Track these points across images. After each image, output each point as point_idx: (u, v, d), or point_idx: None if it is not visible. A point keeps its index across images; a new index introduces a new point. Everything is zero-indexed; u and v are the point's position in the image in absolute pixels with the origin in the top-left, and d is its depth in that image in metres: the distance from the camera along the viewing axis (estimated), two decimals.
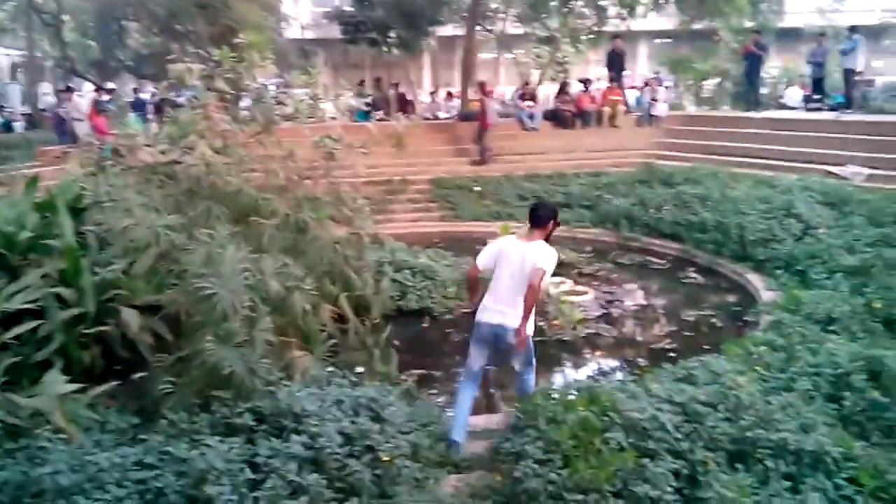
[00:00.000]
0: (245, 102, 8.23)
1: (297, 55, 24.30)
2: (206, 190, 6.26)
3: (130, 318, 5.13)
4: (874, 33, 27.73)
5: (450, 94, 21.45)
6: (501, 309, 5.08)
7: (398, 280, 8.50)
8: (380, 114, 18.43)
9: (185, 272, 5.09)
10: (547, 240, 5.32)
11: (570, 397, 4.86)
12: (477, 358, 5.28)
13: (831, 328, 6.43)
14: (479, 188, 14.64)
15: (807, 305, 7.01)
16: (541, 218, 5.36)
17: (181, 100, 13.24)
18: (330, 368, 5.47)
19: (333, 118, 15.64)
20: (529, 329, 5.04)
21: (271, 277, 5.46)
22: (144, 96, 20.33)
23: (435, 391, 6.54)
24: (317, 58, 28.50)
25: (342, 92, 8.11)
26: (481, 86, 16.48)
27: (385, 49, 21.75)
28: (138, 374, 5.00)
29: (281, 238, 6.12)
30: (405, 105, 20.20)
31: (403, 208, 14.17)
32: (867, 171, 11.84)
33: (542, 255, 5.04)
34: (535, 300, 4.92)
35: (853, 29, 16.84)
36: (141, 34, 24.90)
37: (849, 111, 15.83)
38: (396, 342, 6.87)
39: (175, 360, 4.93)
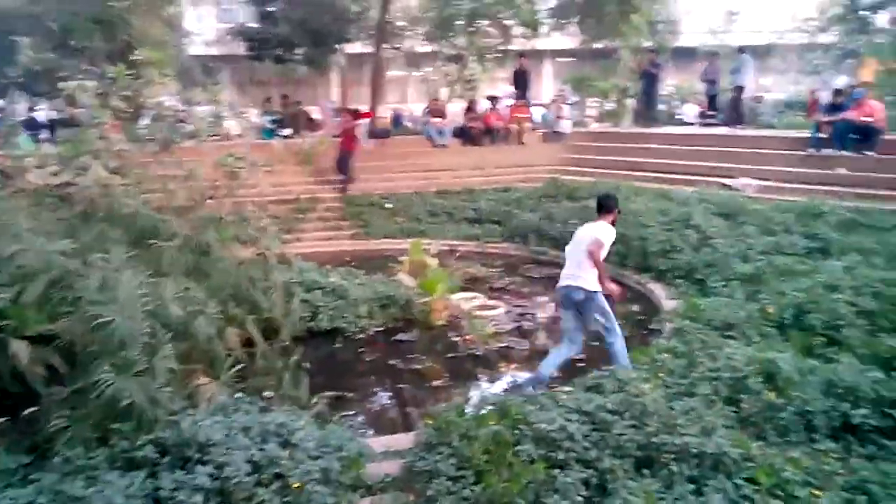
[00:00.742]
0: (146, 121, 7.95)
1: (200, 72, 23.68)
2: (102, 212, 5.98)
3: (20, 349, 4.82)
4: (762, 53, 29.42)
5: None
6: (566, 275, 6.58)
7: (309, 300, 8.35)
8: (287, 131, 18.18)
9: (80, 299, 4.85)
10: (613, 224, 6.71)
11: (483, 412, 4.89)
12: (566, 321, 6.71)
13: (729, 334, 6.70)
14: (390, 205, 14.63)
15: (706, 313, 7.30)
16: (602, 206, 6.74)
17: (77, 118, 12.68)
18: (237, 394, 5.32)
19: (240, 135, 15.37)
20: (595, 286, 6.36)
21: (172, 302, 5.27)
22: (39, 115, 19.33)
23: (348, 413, 6.44)
24: (221, 74, 27.85)
25: (245, 109, 7.90)
26: (353, 112, 16.53)
27: (291, 66, 21.48)
28: (29, 410, 4.69)
29: (182, 261, 5.92)
30: (312, 122, 19.99)
31: (314, 227, 13.97)
32: (758, 182, 12.51)
33: (599, 229, 6.53)
34: (596, 260, 6.32)
35: (742, 49, 17.83)
36: (34, 50, 23.67)
37: (740, 126, 16.70)
38: (307, 364, 6.75)
39: (70, 392, 4.67)
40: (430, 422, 4.89)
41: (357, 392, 7.18)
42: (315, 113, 22.41)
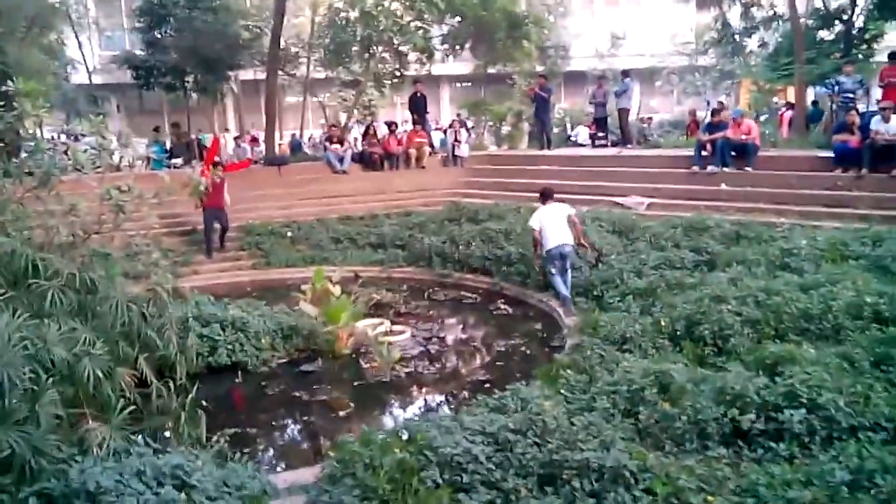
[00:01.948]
0: (24, 154, 7.51)
1: (85, 101, 22.72)
2: None
3: None
4: (647, 76, 30.91)
5: (255, 139, 21.02)
6: (557, 238, 9.34)
7: (206, 335, 8.07)
8: (179, 161, 17.66)
9: None
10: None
11: (388, 440, 4.84)
12: (556, 266, 9.46)
13: (626, 347, 6.95)
14: (291, 233, 14.39)
15: (604, 328, 7.52)
16: (548, 195, 9.95)
17: None
18: (131, 437, 5.07)
19: (130, 166, 14.78)
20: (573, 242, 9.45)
21: (56, 344, 4.96)
22: None
23: (251, 450, 6.24)
24: (108, 104, 26.82)
25: (131, 140, 7.59)
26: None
27: (183, 94, 20.92)
28: None
29: (66, 300, 5.58)
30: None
31: (211, 258, 13.53)
32: (648, 200, 13.07)
33: (561, 206, 9.75)
34: (575, 223, 9.61)
35: (626, 73, 18.64)
36: None
37: (628, 147, 17.43)
38: (206, 402, 6.50)
39: None
40: (334, 454, 4.79)
41: (260, 427, 6.97)
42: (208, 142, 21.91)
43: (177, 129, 20.20)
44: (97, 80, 24.76)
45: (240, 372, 8.05)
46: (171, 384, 6.30)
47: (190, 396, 6.26)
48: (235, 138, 22.09)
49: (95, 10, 26.56)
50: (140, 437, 5.22)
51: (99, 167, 6.68)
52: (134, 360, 6.16)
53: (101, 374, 5.27)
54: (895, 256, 8.11)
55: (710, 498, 4.02)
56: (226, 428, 6.44)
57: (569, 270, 9.56)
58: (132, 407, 5.72)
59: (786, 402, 4.92)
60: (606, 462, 4.21)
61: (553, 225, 9.43)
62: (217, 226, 13.59)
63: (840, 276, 7.60)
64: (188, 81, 20.34)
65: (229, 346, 8.12)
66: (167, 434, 5.91)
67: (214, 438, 5.91)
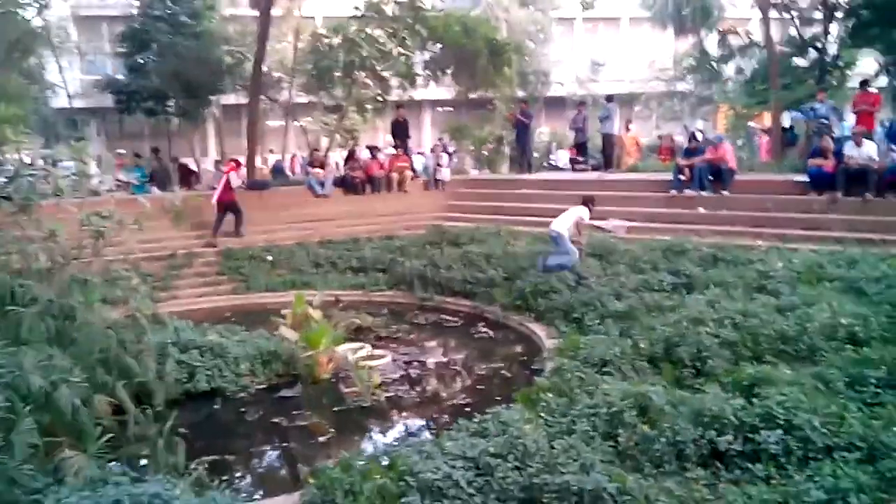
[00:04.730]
0: (2, 179, 7.49)
1: (65, 125, 22.65)
2: None
3: None
4: (626, 101, 31.32)
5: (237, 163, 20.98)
6: (554, 225, 10.64)
7: (185, 361, 8.03)
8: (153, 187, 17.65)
9: None
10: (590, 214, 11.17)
11: (368, 466, 4.83)
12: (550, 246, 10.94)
13: (606, 370, 6.96)
14: (271, 258, 14.34)
15: (583, 350, 7.55)
16: (584, 201, 11.26)
17: None
18: (109, 466, 5.01)
19: (110, 191, 14.73)
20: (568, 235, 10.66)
21: (33, 371, 4.93)
22: None
23: (230, 477, 6.19)
24: (88, 128, 26.73)
25: (112, 166, 7.60)
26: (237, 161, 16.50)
27: (164, 118, 20.91)
28: None
29: (44, 327, 5.55)
30: (188, 176, 19.47)
31: (190, 283, 13.46)
32: (627, 223, 13.19)
33: (579, 209, 11.00)
34: (577, 223, 10.86)
35: (609, 97, 18.92)
36: None
37: (610, 170, 17.62)
38: (184, 429, 6.44)
39: None
40: (314, 480, 4.77)
41: (239, 454, 6.92)
42: (192, 165, 21.88)
43: (157, 154, 20.15)
44: (78, 104, 24.67)
45: (219, 398, 7.99)
46: (150, 411, 6.26)
47: (168, 423, 6.20)
48: (216, 162, 22.07)
49: (78, 35, 26.52)
50: (117, 465, 5.16)
51: (78, 192, 6.68)
52: (111, 387, 6.11)
53: (78, 402, 5.23)
54: (869, 278, 8.27)
55: None
56: (204, 455, 6.37)
57: (558, 255, 10.65)
58: (109, 434, 5.68)
59: (762, 422, 4.97)
60: (586, 485, 4.23)
61: (559, 217, 10.94)
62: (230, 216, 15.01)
63: (815, 297, 7.74)
64: (170, 106, 20.35)
65: (208, 372, 8.07)
66: (145, 462, 5.84)
67: (193, 466, 5.84)
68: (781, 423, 4.93)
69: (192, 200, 14.39)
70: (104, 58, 26.82)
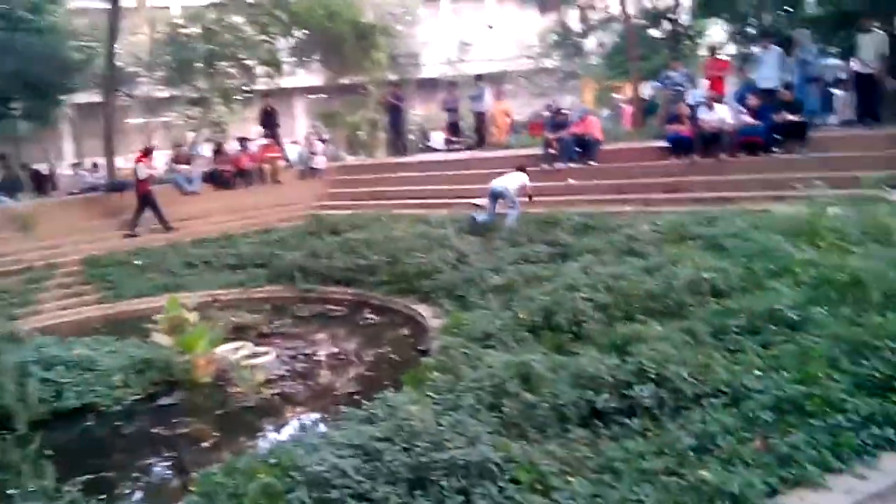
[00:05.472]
0: None
1: None
2: None
3: None
4: (496, 79, 31.81)
5: (95, 165, 19.79)
6: (498, 181, 11.75)
7: (50, 379, 7.50)
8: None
9: None
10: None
11: (252, 465, 4.67)
12: (490, 201, 11.94)
13: (489, 343, 7.04)
14: (139, 262, 13.59)
15: (467, 327, 7.62)
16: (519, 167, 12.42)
17: None
18: None
19: None
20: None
21: None
22: None
23: (106, 495, 5.83)
24: None
25: None
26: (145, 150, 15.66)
27: (10, 122, 19.39)
28: None
29: None
30: (42, 181, 18.18)
31: (52, 296, 12.50)
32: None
33: (519, 174, 12.15)
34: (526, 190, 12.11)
35: (479, 77, 19.14)
36: None
37: (482, 149, 17.85)
38: (53, 450, 6.02)
39: None
40: (196, 488, 4.56)
41: (118, 470, 6.54)
42: (46, 170, 20.43)
43: (5, 161, 18.63)
44: None
45: (91, 414, 7.51)
46: (11, 436, 5.81)
47: (32, 446, 5.78)
48: (73, 165, 20.73)
49: None
50: None
51: None
52: None
53: None
54: (727, 234, 8.77)
55: (570, 478, 4.14)
56: (78, 475, 5.97)
57: (505, 209, 11.83)
58: None
59: (636, 378, 5.16)
60: (472, 458, 4.24)
61: (500, 178, 12.03)
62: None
63: (680, 256, 8.11)
64: (14, 108, 18.86)
65: (77, 388, 7.56)
66: (12, 490, 5.41)
67: (66, 488, 5.46)
68: (653, 377, 5.13)
69: (46, 206, 13.46)
70: None
